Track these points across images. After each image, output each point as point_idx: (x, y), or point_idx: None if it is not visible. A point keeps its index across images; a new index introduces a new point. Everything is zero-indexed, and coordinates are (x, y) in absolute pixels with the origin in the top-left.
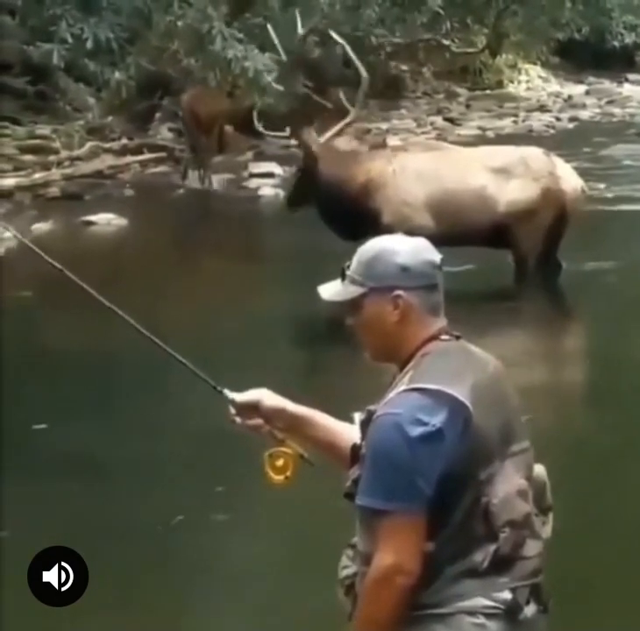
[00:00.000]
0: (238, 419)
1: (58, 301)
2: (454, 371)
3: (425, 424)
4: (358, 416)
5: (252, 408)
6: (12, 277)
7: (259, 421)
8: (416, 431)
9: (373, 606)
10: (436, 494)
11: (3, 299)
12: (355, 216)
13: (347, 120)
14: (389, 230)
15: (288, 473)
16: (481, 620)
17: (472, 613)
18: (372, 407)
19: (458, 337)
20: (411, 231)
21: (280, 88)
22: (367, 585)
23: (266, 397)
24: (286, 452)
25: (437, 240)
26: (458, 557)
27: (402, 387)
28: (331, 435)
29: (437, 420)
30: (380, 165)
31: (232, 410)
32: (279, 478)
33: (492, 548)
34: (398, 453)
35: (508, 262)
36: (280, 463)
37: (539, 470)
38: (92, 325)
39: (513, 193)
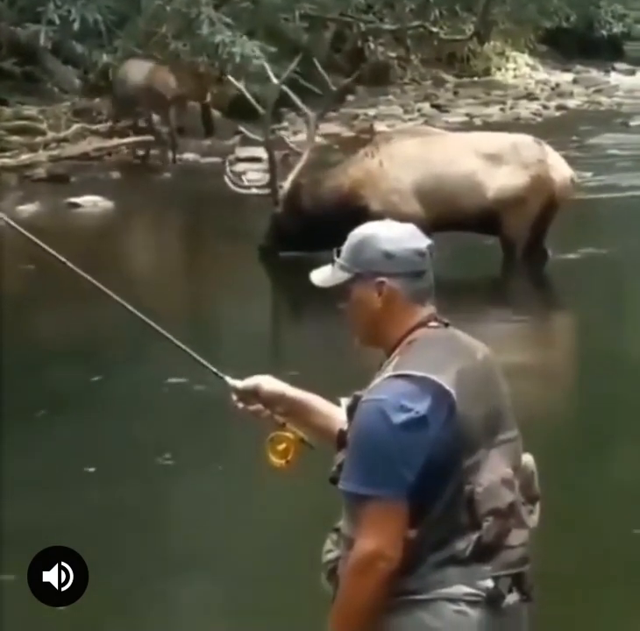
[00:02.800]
0: (239, 405)
1: (60, 276)
2: (440, 358)
3: (409, 411)
4: (344, 401)
5: (253, 394)
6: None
7: (259, 406)
8: (400, 418)
9: (353, 591)
10: (419, 481)
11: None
12: (345, 221)
13: (303, 162)
14: (378, 218)
15: (289, 457)
16: (462, 607)
17: (453, 600)
18: (358, 393)
19: (447, 325)
20: (400, 218)
21: (275, 80)
22: (348, 571)
23: (266, 382)
24: (287, 436)
25: (426, 226)
26: (441, 545)
27: (388, 374)
28: (329, 420)
29: (421, 407)
30: (365, 163)
31: (234, 396)
32: (280, 462)
33: (475, 536)
34: (381, 439)
35: (489, 248)
36: (281, 447)
37: (527, 459)
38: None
39: (502, 179)
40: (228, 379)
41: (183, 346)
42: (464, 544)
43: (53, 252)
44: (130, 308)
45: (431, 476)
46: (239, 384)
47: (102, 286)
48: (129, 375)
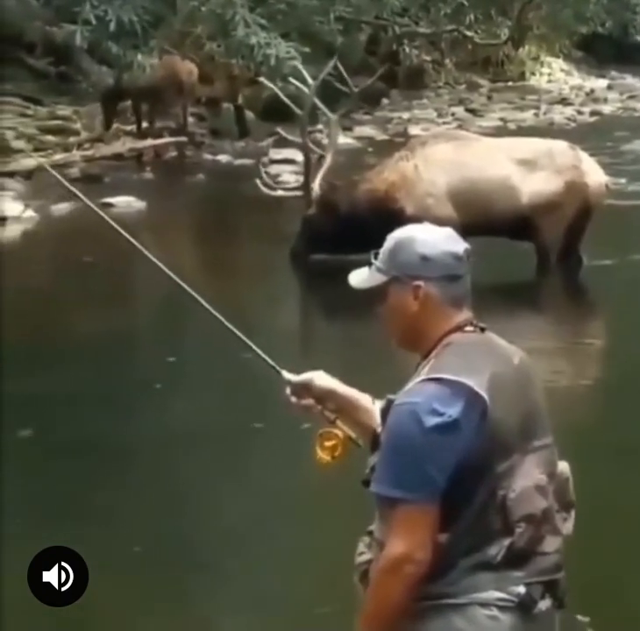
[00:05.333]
0: (293, 398)
1: (116, 268)
2: (474, 363)
3: (441, 415)
4: (378, 404)
5: (305, 389)
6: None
7: (310, 401)
8: (432, 421)
9: (381, 593)
10: (450, 486)
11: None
12: (379, 224)
13: (327, 165)
14: (412, 221)
15: (336, 454)
16: (494, 612)
17: (485, 604)
18: (392, 396)
19: (483, 329)
20: (434, 222)
21: (311, 81)
22: (377, 572)
23: (318, 378)
24: (336, 434)
25: (460, 230)
26: (473, 550)
27: (421, 377)
28: (375, 420)
29: (454, 411)
30: (399, 167)
31: (288, 390)
32: (326, 458)
33: (507, 542)
34: (413, 442)
35: (523, 253)
36: (329, 443)
37: (563, 466)
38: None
39: (536, 185)
40: (284, 373)
41: (249, 341)
42: (496, 550)
43: (140, 247)
44: (197, 296)
45: (463, 480)
46: (294, 378)
47: (179, 280)
48: (200, 354)
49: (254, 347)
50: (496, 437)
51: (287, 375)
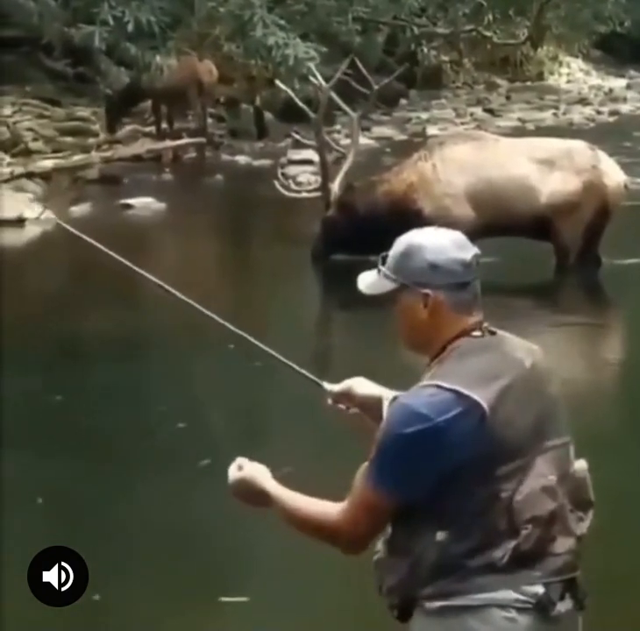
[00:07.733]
0: (341, 406)
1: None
2: (478, 370)
3: (427, 420)
4: (386, 402)
5: (347, 398)
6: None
7: (355, 410)
8: (415, 426)
9: (311, 525)
10: (445, 486)
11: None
12: (397, 225)
13: (348, 164)
14: (430, 222)
15: None
16: (513, 614)
17: (503, 606)
18: (398, 394)
19: (493, 333)
20: (453, 222)
21: (324, 84)
22: (322, 521)
23: (357, 385)
24: None
25: (479, 230)
26: (477, 551)
27: (424, 382)
28: None
29: (441, 418)
30: (419, 167)
31: (329, 401)
32: None
33: (512, 544)
34: (392, 439)
35: (542, 253)
36: None
37: (580, 465)
38: None
39: (555, 185)
40: (325, 385)
41: (279, 356)
42: (501, 552)
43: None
44: (229, 325)
45: (459, 481)
46: (334, 388)
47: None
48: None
49: (291, 364)
50: (498, 442)
51: (327, 386)
